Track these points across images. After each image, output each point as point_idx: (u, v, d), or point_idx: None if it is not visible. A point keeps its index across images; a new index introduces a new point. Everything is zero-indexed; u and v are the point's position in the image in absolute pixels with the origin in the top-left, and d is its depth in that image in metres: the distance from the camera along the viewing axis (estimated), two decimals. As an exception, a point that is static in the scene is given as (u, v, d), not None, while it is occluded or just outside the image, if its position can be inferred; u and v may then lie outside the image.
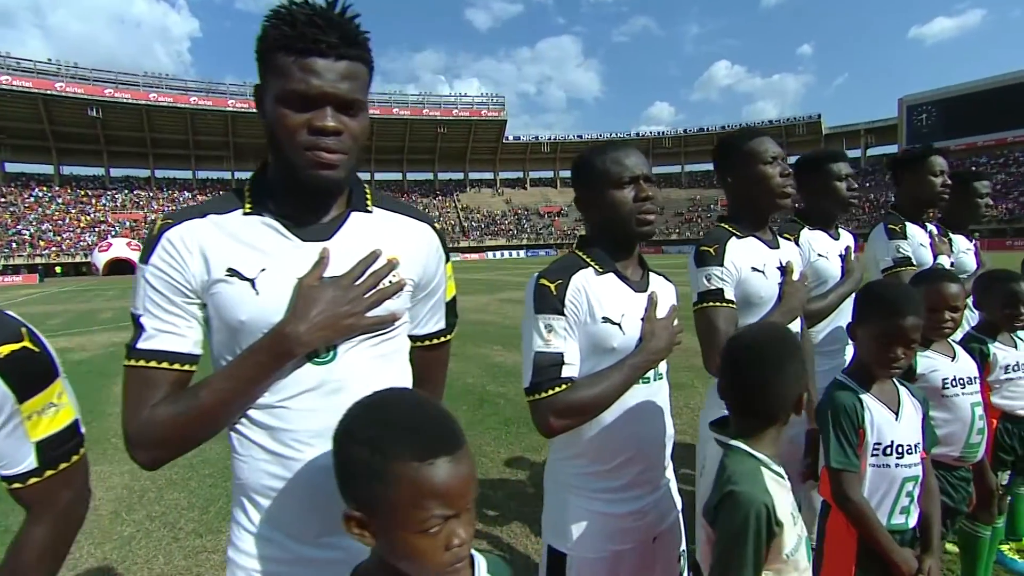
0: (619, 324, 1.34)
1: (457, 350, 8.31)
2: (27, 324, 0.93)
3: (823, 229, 2.31)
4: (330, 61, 0.92)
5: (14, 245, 48.22)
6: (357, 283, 1.00)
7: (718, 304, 1.68)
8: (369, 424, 0.78)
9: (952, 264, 2.63)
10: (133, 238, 47.49)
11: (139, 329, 0.97)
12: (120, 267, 40.28)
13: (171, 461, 1.01)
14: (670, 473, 1.52)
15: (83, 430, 1.02)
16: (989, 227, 42.78)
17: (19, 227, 51.34)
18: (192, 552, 3.06)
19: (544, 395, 1.29)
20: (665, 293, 1.47)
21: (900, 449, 1.56)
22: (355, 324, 0.99)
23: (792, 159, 2.33)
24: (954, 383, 1.94)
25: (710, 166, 1.98)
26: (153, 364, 0.96)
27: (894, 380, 1.65)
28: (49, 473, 0.94)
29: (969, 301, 2.33)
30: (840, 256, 2.27)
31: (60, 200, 57.67)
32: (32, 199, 56.59)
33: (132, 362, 0.97)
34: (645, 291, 1.42)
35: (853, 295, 1.84)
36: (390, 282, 1.04)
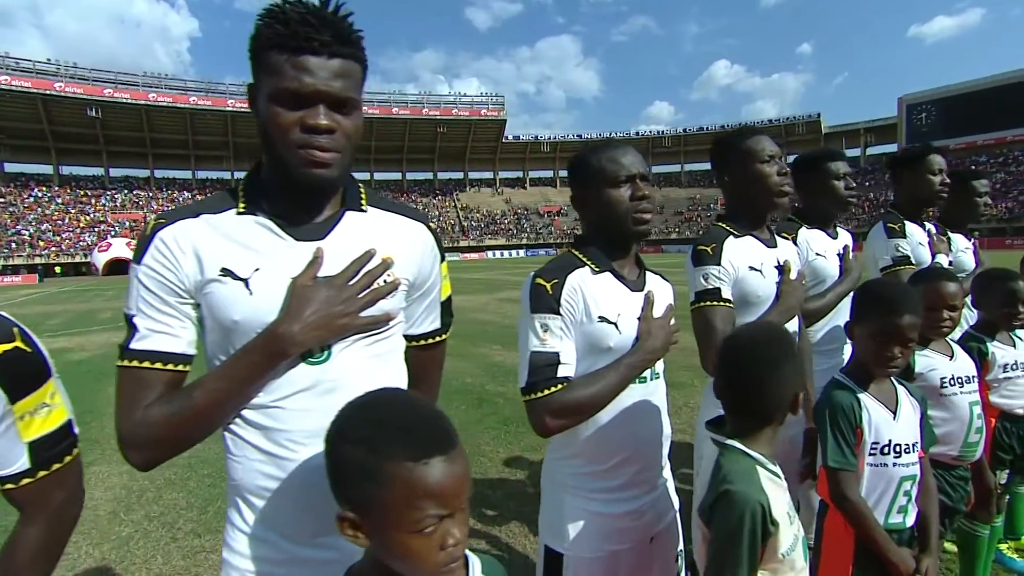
0: (615, 323, 1.33)
1: (456, 349, 8.28)
2: (19, 324, 0.93)
3: (821, 228, 2.31)
4: (323, 59, 0.91)
5: (13, 245, 48.21)
6: (351, 283, 1.00)
7: (715, 303, 1.67)
8: (362, 424, 0.77)
9: (951, 263, 2.63)
10: (133, 238, 47.33)
11: (132, 329, 0.97)
12: (120, 267, 40.29)
13: (165, 462, 1.00)
14: (667, 473, 1.51)
15: (76, 431, 1.01)
16: (989, 226, 42.79)
17: (18, 227, 51.33)
18: (190, 552, 3.06)
19: (540, 395, 1.28)
20: (662, 292, 1.47)
21: (898, 448, 1.56)
22: (349, 324, 0.99)
23: (792, 158, 2.33)
24: (952, 382, 1.94)
25: (710, 165, 1.97)
26: (146, 364, 0.96)
27: (892, 379, 1.65)
28: (42, 474, 0.93)
29: (968, 300, 2.33)
30: (838, 255, 2.26)
31: (59, 200, 57.66)
32: (31, 199, 56.58)
33: (125, 362, 0.97)
34: (642, 290, 1.42)
35: (851, 294, 1.84)
36: (384, 282, 1.03)
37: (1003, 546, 2.64)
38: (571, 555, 1.38)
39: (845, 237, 2.37)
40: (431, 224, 1.18)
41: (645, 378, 1.38)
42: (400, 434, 0.75)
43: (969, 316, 2.47)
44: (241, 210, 1.01)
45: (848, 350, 2.10)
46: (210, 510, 3.55)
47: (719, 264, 1.70)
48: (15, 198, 55.66)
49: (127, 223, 55.68)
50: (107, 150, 62.32)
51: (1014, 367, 2.19)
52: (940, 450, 1.89)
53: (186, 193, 63.71)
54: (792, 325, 1.80)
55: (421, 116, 71.83)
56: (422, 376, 1.23)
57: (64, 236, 51.85)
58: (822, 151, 2.39)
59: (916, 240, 2.53)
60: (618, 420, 1.36)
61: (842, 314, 1.93)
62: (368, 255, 1.02)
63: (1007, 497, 2.41)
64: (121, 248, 43.19)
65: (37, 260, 46.75)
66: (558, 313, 1.31)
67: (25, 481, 0.92)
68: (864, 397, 1.59)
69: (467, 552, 0.86)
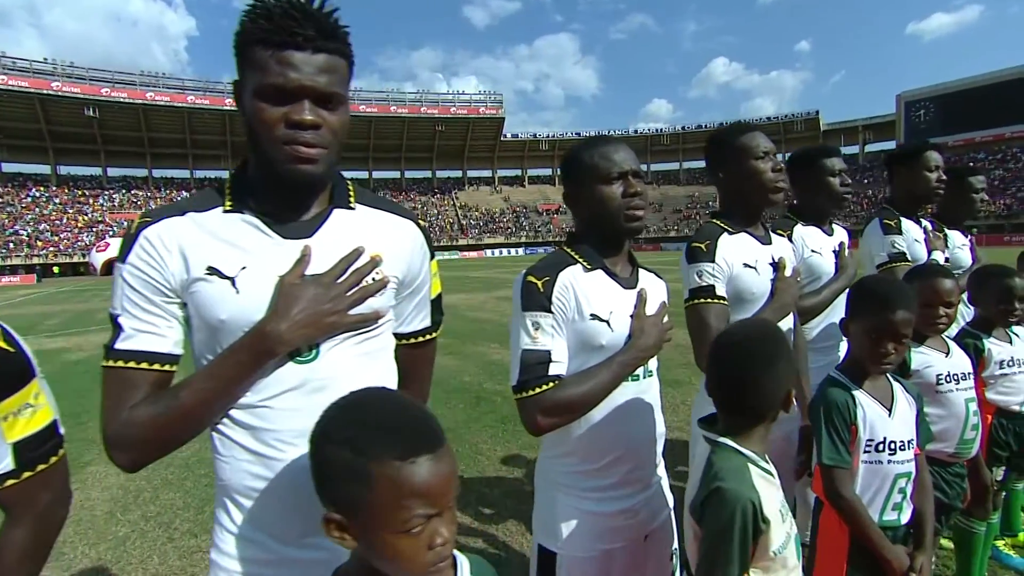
0: (607, 321, 1.32)
1: (454, 348, 8.29)
2: (2, 324, 0.92)
3: (817, 225, 2.30)
4: (307, 54, 0.90)
5: (11, 245, 48.14)
6: (339, 281, 0.99)
7: (709, 300, 1.67)
8: (347, 424, 0.77)
9: (947, 260, 2.62)
10: (131, 238, 47.09)
11: (118, 329, 0.96)
12: (118, 267, 40.22)
13: (152, 463, 0.99)
14: (662, 471, 1.51)
15: (62, 431, 1.00)
16: (987, 223, 42.83)
17: (16, 227, 51.24)
18: (187, 552, 3.05)
19: (531, 393, 1.28)
20: (655, 290, 1.46)
21: (893, 445, 1.55)
22: (337, 322, 0.98)
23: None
24: (948, 379, 1.93)
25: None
26: (132, 364, 0.95)
27: (888, 376, 1.64)
28: (27, 475, 0.92)
29: (964, 296, 2.32)
30: (834, 252, 2.26)
31: (57, 200, 57.56)
32: (29, 199, 56.47)
33: (111, 363, 0.96)
34: (634, 288, 1.41)
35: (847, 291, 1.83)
36: (373, 279, 1.03)
37: (999, 543, 2.64)
38: (564, 554, 1.37)
39: (841, 234, 2.36)
40: (420, 222, 1.17)
41: (638, 376, 1.37)
42: (385, 433, 0.74)
43: (965, 313, 2.46)
44: (228, 208, 1.00)
45: (844, 347, 2.09)
46: (207, 510, 3.54)
47: (713, 261, 1.69)
48: (13, 198, 55.55)
49: (125, 223, 55.53)
50: (105, 150, 62.23)
51: (1010, 363, 2.18)
52: (936, 447, 1.88)
53: (184, 192, 63.44)
54: (787, 322, 1.79)
55: (419, 114, 71.75)
56: (413, 374, 1.22)
57: (62, 236, 51.78)
58: (817, 148, 2.39)
59: (912, 236, 2.52)
60: (611, 418, 1.35)
61: (838, 311, 1.93)
62: (356, 253, 1.01)
63: (1003, 494, 2.41)
64: (119, 248, 43.08)
65: (35, 260, 46.70)
66: (549, 311, 1.30)
67: (10, 482, 0.91)
68: (859, 394, 1.58)
69: (456, 552, 0.85)
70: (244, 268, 0.96)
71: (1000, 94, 56.57)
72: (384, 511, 0.73)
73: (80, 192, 60.08)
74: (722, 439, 1.18)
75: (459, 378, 6.60)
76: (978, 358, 2.15)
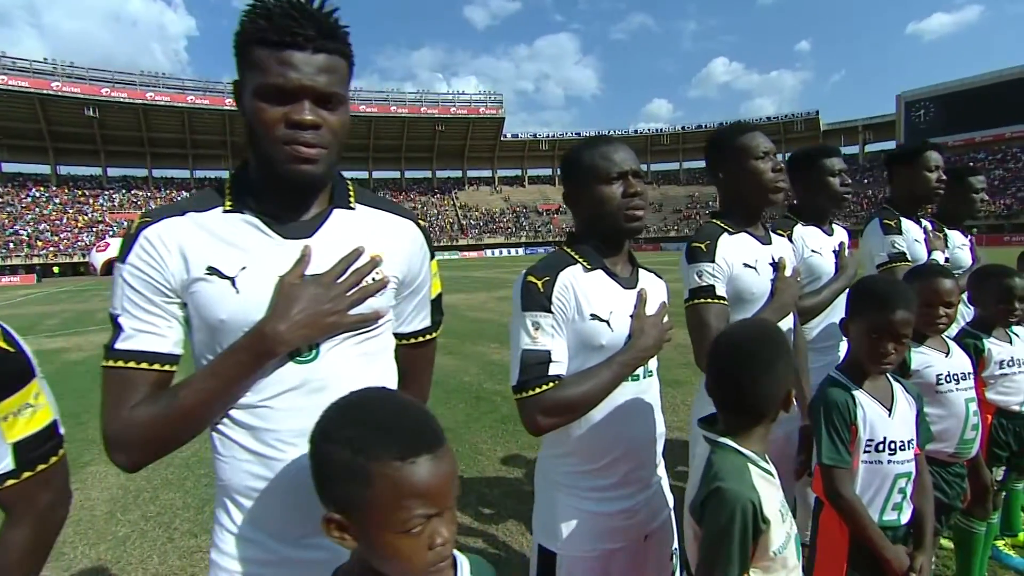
0: (607, 321, 1.32)
1: (454, 348, 8.29)
2: (2, 324, 0.92)
3: (817, 225, 2.31)
4: (307, 54, 0.90)
5: (11, 245, 48.13)
6: (339, 281, 0.99)
7: (709, 300, 1.67)
8: (346, 424, 0.76)
9: (947, 260, 2.62)
10: (131, 238, 47.10)
11: (117, 329, 0.96)
12: (118, 267, 40.27)
13: (152, 463, 0.99)
14: (662, 471, 1.51)
15: (62, 431, 1.00)
16: (987, 223, 42.83)
17: (16, 227, 51.24)
18: (187, 552, 3.05)
19: (531, 393, 1.28)
20: (655, 290, 1.46)
21: (892, 445, 1.55)
22: (337, 322, 0.98)
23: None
24: (948, 379, 1.93)
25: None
26: (132, 365, 0.95)
27: (888, 376, 1.64)
28: (27, 475, 0.92)
29: (964, 296, 2.32)
30: (834, 252, 2.26)
31: (57, 200, 57.54)
32: (29, 199, 56.45)
33: (111, 363, 0.96)
34: (634, 288, 1.41)
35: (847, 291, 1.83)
36: (373, 279, 1.03)
37: (999, 543, 2.64)
38: (564, 554, 1.37)
39: (841, 234, 2.36)
40: (420, 222, 1.17)
41: (638, 376, 1.37)
42: (385, 433, 0.74)
43: (965, 313, 2.46)
44: (228, 208, 1.00)
45: (844, 347, 2.10)
46: (207, 510, 3.54)
47: (713, 261, 1.69)
48: (13, 198, 55.54)
49: (125, 223, 55.52)
50: (105, 150, 62.20)
51: (1010, 363, 2.18)
52: (936, 447, 1.88)
53: (184, 192, 63.39)
54: (787, 322, 1.79)
55: (419, 114, 71.73)
56: (413, 374, 1.22)
57: (62, 236, 51.77)
58: (817, 147, 2.39)
59: (912, 236, 2.52)
60: (610, 418, 1.35)
61: (838, 311, 1.93)
62: (356, 253, 1.01)
63: (1003, 494, 2.41)
64: (119, 248, 43.12)
65: (35, 260, 46.69)
66: (549, 311, 1.30)
67: (10, 482, 0.91)
68: (859, 394, 1.58)
69: (456, 552, 0.85)
70: (244, 268, 0.96)
71: (1000, 94, 56.58)
72: (384, 511, 0.73)
73: (80, 192, 60.06)
74: (722, 439, 1.18)
75: (459, 378, 6.61)
76: (978, 358, 2.15)
